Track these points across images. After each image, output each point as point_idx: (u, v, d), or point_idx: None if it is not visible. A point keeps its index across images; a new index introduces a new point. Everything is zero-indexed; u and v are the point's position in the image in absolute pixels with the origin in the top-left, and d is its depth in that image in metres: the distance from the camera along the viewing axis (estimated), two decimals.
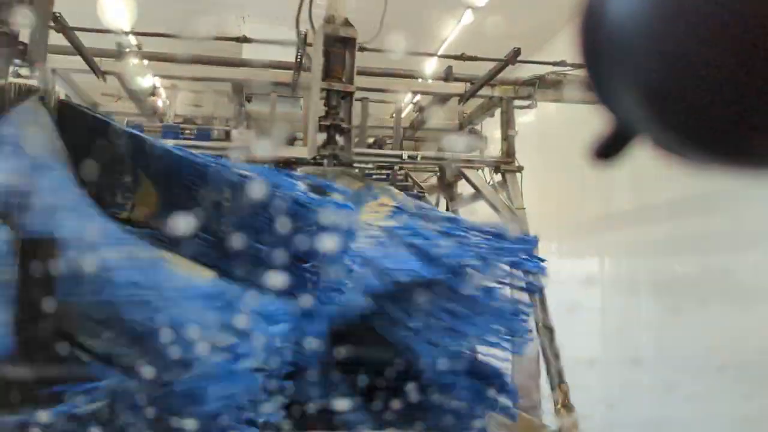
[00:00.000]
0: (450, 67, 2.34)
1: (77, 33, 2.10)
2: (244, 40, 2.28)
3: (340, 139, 1.75)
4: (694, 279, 1.59)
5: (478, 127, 2.68)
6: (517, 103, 2.34)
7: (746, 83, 0.28)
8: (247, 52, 2.55)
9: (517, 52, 2.06)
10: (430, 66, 2.70)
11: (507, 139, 2.28)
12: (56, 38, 2.08)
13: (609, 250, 3.00)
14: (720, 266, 1.60)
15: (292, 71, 2.20)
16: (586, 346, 2.67)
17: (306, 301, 1.17)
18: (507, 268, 1.29)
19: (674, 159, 0.33)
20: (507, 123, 2.28)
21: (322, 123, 1.74)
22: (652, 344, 2.19)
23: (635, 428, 2.00)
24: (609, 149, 0.37)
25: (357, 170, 1.88)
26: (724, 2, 0.27)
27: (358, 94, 2.49)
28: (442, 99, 2.50)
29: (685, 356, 1.69)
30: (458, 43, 3.09)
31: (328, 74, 1.74)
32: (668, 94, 0.31)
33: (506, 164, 2.29)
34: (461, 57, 2.35)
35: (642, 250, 2.59)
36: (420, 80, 2.47)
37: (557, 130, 3.30)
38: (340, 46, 1.79)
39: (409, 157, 2.27)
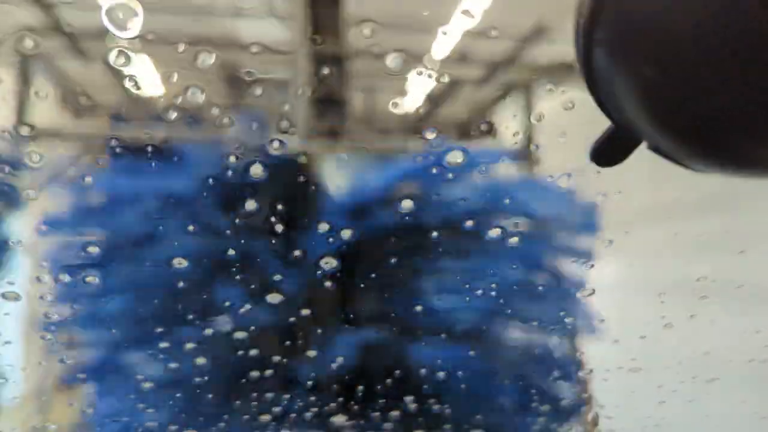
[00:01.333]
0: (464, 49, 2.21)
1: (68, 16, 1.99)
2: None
3: (336, 115, 1.50)
4: (712, 280, 1.58)
5: (492, 117, 2.56)
6: (537, 90, 2.22)
7: (748, 91, 0.27)
8: (247, 35, 2.43)
9: (542, 28, 1.94)
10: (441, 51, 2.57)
11: (526, 129, 2.15)
12: (36, 16, 1.99)
13: (628, 249, 2.93)
14: (739, 267, 1.61)
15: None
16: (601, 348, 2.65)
17: None
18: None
19: (673, 164, 0.34)
20: (527, 111, 2.16)
21: (314, 95, 1.51)
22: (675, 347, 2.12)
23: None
24: (609, 154, 0.37)
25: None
26: (727, 4, 0.27)
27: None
28: (456, 83, 2.37)
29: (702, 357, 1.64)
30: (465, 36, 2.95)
31: (315, 32, 1.51)
32: (667, 99, 0.31)
33: (524, 156, 2.16)
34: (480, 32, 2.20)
35: (663, 250, 2.53)
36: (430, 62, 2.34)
37: (571, 122, 3.17)
38: None
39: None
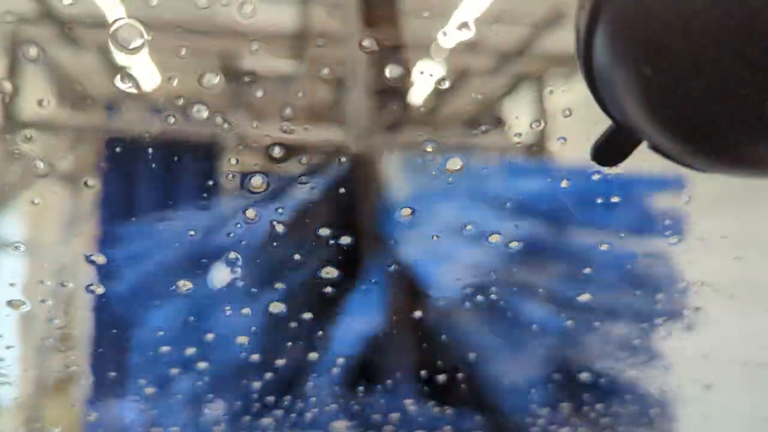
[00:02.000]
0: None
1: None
2: None
3: (396, 108, 1.42)
4: (710, 283, 1.64)
5: (500, 110, 2.56)
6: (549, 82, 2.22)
7: (749, 91, 0.28)
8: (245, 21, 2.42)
9: (558, 14, 1.93)
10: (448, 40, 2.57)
11: (539, 124, 2.15)
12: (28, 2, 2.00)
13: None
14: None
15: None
16: None
17: None
18: None
19: (674, 164, 0.35)
20: (539, 105, 2.16)
21: (377, 89, 1.40)
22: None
23: None
24: (609, 153, 0.37)
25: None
26: (728, 4, 0.27)
27: None
28: (464, 74, 2.37)
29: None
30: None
31: (370, 20, 1.39)
32: (667, 99, 0.31)
33: (538, 153, 2.16)
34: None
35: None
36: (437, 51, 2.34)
37: (588, 114, 3.16)
38: None
39: None
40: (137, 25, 1.00)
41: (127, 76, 2.65)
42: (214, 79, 1.09)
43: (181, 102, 2.56)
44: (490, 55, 2.28)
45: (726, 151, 0.33)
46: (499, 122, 2.50)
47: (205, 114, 2.16)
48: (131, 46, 1.03)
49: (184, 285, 1.22)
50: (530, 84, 2.28)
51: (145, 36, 0.95)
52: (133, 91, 2.71)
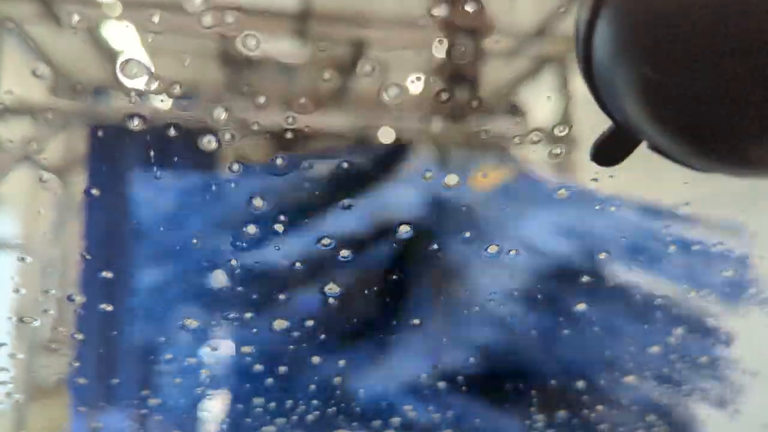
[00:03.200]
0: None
1: None
2: None
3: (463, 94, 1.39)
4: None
5: (518, 95, 2.56)
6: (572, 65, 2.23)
7: (749, 91, 0.30)
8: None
9: None
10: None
11: (562, 111, 2.16)
12: None
13: None
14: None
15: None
16: None
17: None
18: None
19: (674, 163, 0.37)
20: (563, 90, 2.17)
21: (447, 73, 1.38)
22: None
23: None
24: (609, 153, 0.39)
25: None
26: (729, 4, 0.29)
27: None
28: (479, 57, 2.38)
29: None
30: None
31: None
32: (667, 99, 0.33)
33: (560, 141, 2.18)
34: None
35: None
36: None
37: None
38: None
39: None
40: (144, 61, 1.03)
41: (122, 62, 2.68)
42: (222, 114, 1.11)
43: (177, 91, 2.59)
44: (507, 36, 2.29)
45: (726, 151, 0.35)
46: (518, 111, 2.51)
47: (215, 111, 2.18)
48: (136, 78, 1.07)
49: (182, 286, 1.26)
50: (550, 70, 2.29)
51: (152, 71, 0.98)
52: (127, 78, 2.74)
